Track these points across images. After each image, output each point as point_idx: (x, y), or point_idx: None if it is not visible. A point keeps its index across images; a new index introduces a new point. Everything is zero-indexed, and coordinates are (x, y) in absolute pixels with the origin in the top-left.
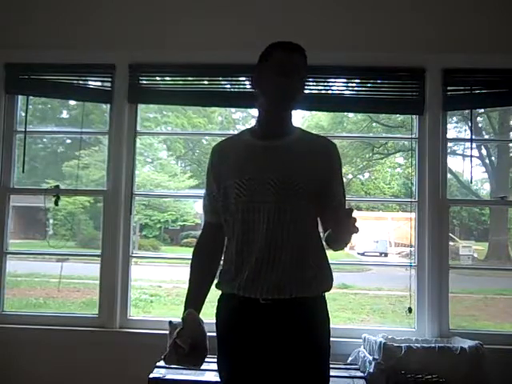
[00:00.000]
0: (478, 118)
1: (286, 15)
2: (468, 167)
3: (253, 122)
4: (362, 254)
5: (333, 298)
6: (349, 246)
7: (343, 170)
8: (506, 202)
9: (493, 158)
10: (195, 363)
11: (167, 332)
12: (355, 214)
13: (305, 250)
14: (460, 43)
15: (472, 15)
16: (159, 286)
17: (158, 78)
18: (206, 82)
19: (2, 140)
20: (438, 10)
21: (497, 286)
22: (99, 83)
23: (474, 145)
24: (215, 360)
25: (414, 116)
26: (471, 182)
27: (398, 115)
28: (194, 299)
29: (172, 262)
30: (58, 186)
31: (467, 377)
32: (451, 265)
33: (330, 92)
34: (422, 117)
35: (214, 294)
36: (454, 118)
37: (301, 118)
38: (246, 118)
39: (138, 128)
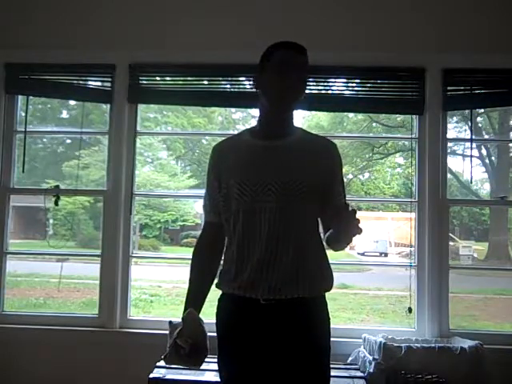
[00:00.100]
0: (478, 118)
1: (286, 15)
2: (468, 167)
3: (253, 122)
4: (362, 254)
5: (333, 298)
6: (349, 246)
7: (343, 170)
8: (506, 202)
9: (493, 158)
10: (195, 363)
11: (167, 332)
12: (358, 214)
13: (305, 250)
14: (460, 43)
15: (472, 15)
16: (159, 286)
17: (158, 78)
18: (205, 82)
19: (2, 140)
20: (438, 9)
21: (497, 286)
22: (99, 83)
23: (474, 145)
24: (215, 360)
25: (413, 116)
26: (471, 182)
27: (397, 115)
28: (194, 299)
29: (172, 262)
30: (58, 186)
31: (467, 377)
32: (451, 265)
33: (330, 92)
34: (422, 117)
35: (214, 294)
36: (454, 118)
37: (301, 118)
38: (245, 118)
39: (138, 128)
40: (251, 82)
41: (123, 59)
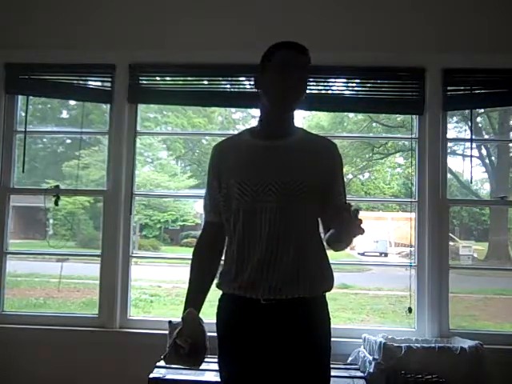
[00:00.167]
0: (478, 118)
1: (286, 15)
2: (468, 167)
3: (253, 122)
4: (362, 254)
5: (333, 298)
6: (349, 246)
7: (343, 170)
8: (506, 202)
9: (493, 158)
10: (195, 363)
11: (167, 332)
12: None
13: (306, 250)
14: (460, 43)
15: (472, 15)
16: (159, 286)
17: (158, 78)
18: (205, 82)
19: (2, 140)
20: (438, 9)
21: (497, 286)
22: (99, 83)
23: (474, 145)
24: (215, 360)
25: (413, 116)
26: (471, 182)
27: (397, 115)
28: (194, 299)
29: (172, 262)
30: (58, 186)
31: (467, 377)
32: (451, 265)
33: (330, 92)
34: (422, 117)
35: (214, 294)
36: (454, 118)
37: (301, 118)
38: (245, 118)
39: (138, 128)
40: (252, 82)
41: (123, 59)
